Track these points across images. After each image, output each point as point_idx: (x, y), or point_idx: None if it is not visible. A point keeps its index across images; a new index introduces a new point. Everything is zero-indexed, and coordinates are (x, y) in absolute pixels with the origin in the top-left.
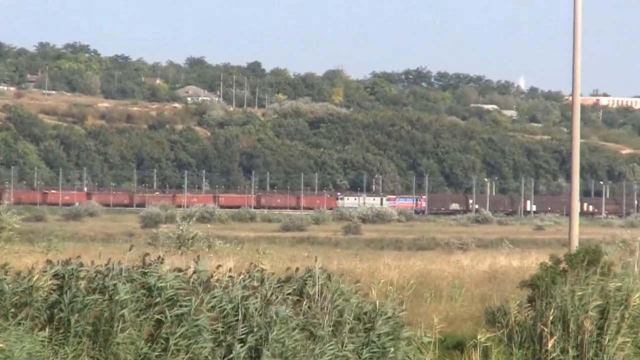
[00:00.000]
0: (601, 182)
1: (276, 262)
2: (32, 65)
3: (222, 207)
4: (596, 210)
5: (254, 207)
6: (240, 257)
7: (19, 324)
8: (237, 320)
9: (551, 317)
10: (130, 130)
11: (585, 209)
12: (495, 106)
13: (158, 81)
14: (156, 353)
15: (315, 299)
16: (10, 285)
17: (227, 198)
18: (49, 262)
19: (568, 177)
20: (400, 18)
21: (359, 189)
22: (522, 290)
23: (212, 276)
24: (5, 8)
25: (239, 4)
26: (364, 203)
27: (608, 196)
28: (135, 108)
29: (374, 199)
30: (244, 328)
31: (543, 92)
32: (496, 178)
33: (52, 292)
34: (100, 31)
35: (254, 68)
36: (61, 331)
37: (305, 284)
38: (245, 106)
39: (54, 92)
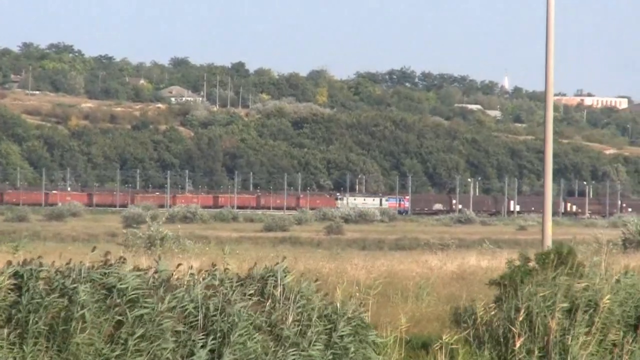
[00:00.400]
0: (585, 182)
1: (243, 262)
2: (15, 66)
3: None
4: (580, 211)
5: (254, 208)
6: (207, 258)
7: None
8: (197, 320)
9: (521, 318)
10: (114, 130)
11: (568, 209)
12: (479, 106)
13: (142, 81)
14: (116, 353)
15: (279, 300)
16: None
17: (226, 198)
18: (9, 262)
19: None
20: (384, 18)
21: (342, 188)
22: (490, 290)
23: (172, 275)
24: None
25: (223, 5)
26: (364, 203)
27: (591, 196)
28: (119, 108)
29: (374, 199)
30: (205, 329)
31: (527, 92)
32: (480, 178)
33: (9, 292)
34: (84, 31)
35: (238, 68)
36: (19, 331)
37: (267, 283)
38: (228, 106)
39: (37, 92)
